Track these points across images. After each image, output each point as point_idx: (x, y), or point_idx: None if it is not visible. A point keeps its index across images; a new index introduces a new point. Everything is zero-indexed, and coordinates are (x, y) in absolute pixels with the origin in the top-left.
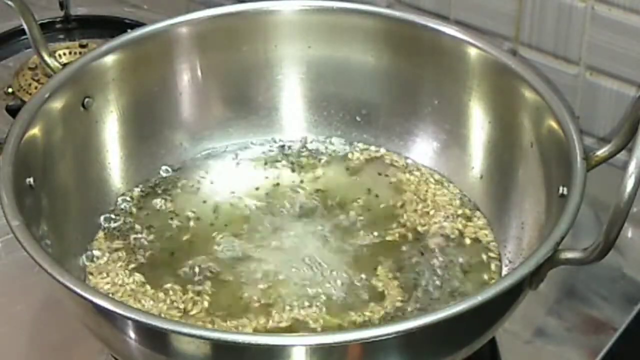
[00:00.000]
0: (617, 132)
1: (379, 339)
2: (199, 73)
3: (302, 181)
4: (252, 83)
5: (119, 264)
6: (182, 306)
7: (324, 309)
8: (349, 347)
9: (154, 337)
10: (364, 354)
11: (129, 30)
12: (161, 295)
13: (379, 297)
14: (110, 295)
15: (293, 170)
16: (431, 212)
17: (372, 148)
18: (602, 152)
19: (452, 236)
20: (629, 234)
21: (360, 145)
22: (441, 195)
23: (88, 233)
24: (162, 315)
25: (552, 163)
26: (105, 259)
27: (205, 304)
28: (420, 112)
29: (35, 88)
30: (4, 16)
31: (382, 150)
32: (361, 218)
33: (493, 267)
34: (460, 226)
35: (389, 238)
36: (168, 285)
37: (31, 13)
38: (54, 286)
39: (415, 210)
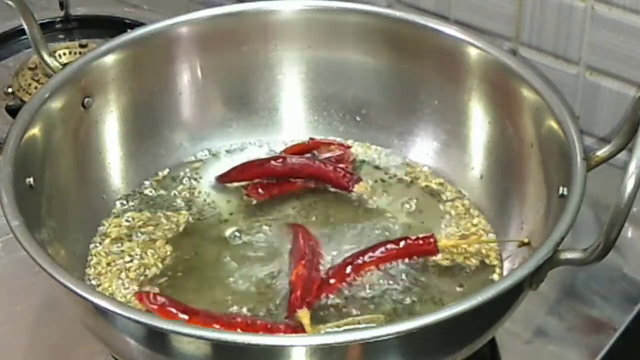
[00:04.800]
0: (617, 132)
1: (379, 339)
2: (199, 73)
3: None
4: (252, 83)
5: (119, 263)
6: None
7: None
8: (349, 347)
9: (154, 337)
10: (364, 354)
11: (129, 30)
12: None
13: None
14: (110, 295)
15: None
16: (429, 213)
17: (372, 148)
18: (602, 152)
19: (452, 237)
20: (629, 234)
21: (360, 145)
22: (442, 194)
23: (88, 233)
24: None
25: (552, 163)
26: (105, 258)
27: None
28: (420, 112)
29: (35, 88)
30: (4, 16)
31: (382, 150)
32: (361, 215)
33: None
34: (460, 227)
35: (389, 236)
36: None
37: (31, 13)
38: (54, 286)
39: (416, 210)
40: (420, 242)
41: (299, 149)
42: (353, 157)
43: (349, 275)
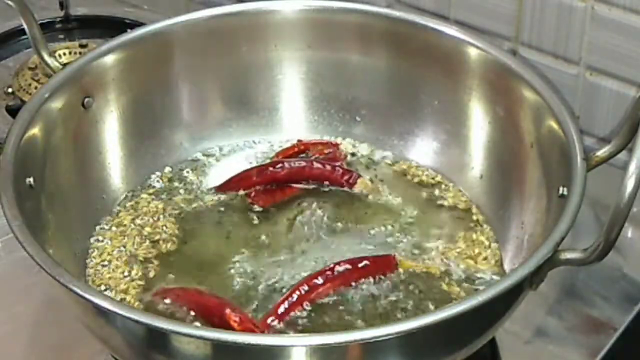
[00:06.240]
0: (617, 132)
1: (380, 339)
2: (199, 73)
3: None
4: (252, 83)
5: (119, 263)
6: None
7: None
8: (349, 347)
9: (154, 337)
10: (364, 354)
11: (129, 30)
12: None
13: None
14: (110, 295)
15: None
16: (430, 213)
17: (372, 147)
18: (602, 152)
19: (452, 236)
20: (629, 234)
21: (360, 144)
22: (442, 195)
23: (88, 233)
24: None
25: (552, 163)
26: (105, 258)
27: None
28: (420, 112)
29: (35, 88)
30: (4, 16)
31: (382, 150)
32: (364, 214)
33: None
34: (460, 226)
35: (389, 239)
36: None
37: (31, 13)
38: (54, 286)
39: (417, 208)
40: (381, 262)
41: (290, 153)
42: (344, 153)
43: (306, 296)
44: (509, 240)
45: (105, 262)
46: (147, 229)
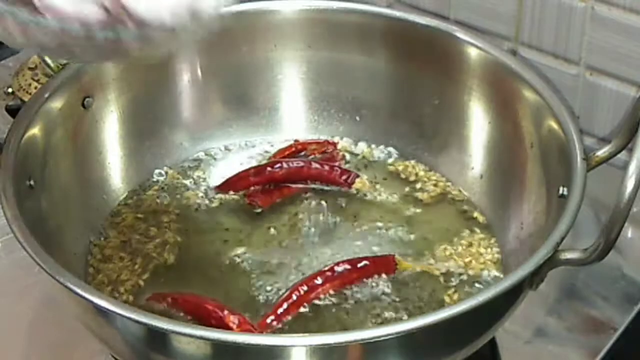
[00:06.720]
0: (617, 132)
1: (380, 339)
2: (199, 73)
3: None
4: (252, 83)
5: (119, 263)
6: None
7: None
8: (349, 347)
9: (154, 337)
10: (364, 354)
11: None
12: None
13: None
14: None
15: None
16: (430, 213)
17: (372, 147)
18: (602, 152)
19: (452, 237)
20: (629, 234)
21: (359, 144)
22: (441, 195)
23: (88, 232)
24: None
25: (552, 163)
26: (105, 258)
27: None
28: (420, 112)
29: (35, 88)
30: None
31: (382, 150)
32: (362, 214)
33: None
34: (460, 226)
35: (388, 239)
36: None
37: None
38: (54, 286)
39: (414, 211)
40: (380, 263)
41: (287, 153)
42: (342, 153)
43: (305, 296)
44: (509, 240)
45: (106, 258)
46: (148, 227)
